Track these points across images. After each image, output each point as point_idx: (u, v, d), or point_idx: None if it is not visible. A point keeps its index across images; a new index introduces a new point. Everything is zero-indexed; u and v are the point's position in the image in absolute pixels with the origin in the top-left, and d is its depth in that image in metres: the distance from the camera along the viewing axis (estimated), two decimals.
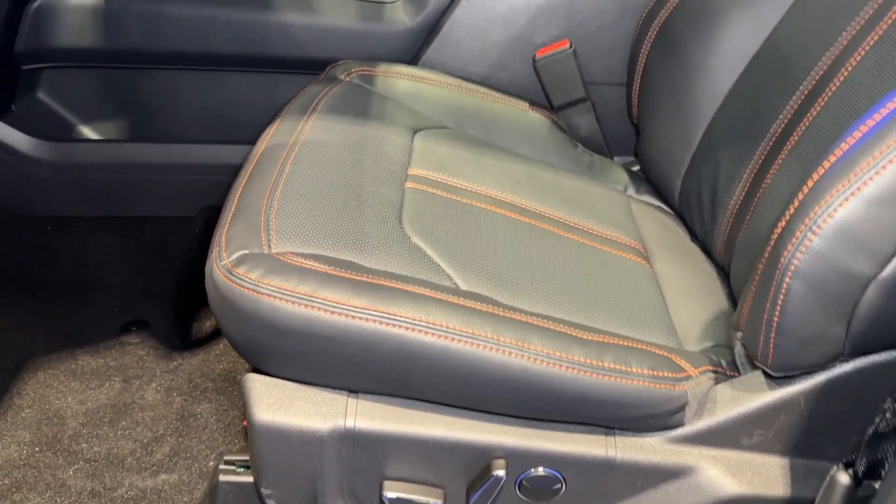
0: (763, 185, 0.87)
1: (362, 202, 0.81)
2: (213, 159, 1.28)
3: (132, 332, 1.27)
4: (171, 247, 1.36)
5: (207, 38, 1.17)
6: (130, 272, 1.36)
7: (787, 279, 0.62)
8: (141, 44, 1.18)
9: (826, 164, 0.64)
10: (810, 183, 0.64)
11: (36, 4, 1.17)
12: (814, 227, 0.61)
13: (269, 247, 0.70)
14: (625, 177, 1.14)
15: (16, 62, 1.19)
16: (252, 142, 0.97)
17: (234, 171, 0.91)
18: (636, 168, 1.19)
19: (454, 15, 1.17)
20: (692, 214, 1.03)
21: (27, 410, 1.14)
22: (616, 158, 1.25)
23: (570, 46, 1.13)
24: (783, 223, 0.64)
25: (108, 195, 1.30)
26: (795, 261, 0.61)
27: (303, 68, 1.21)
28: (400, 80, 1.12)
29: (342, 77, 1.10)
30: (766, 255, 0.66)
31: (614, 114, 1.22)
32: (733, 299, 0.93)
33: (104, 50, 1.19)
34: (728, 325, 0.87)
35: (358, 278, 0.68)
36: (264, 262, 0.68)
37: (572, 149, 1.14)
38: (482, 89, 1.15)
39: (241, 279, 0.66)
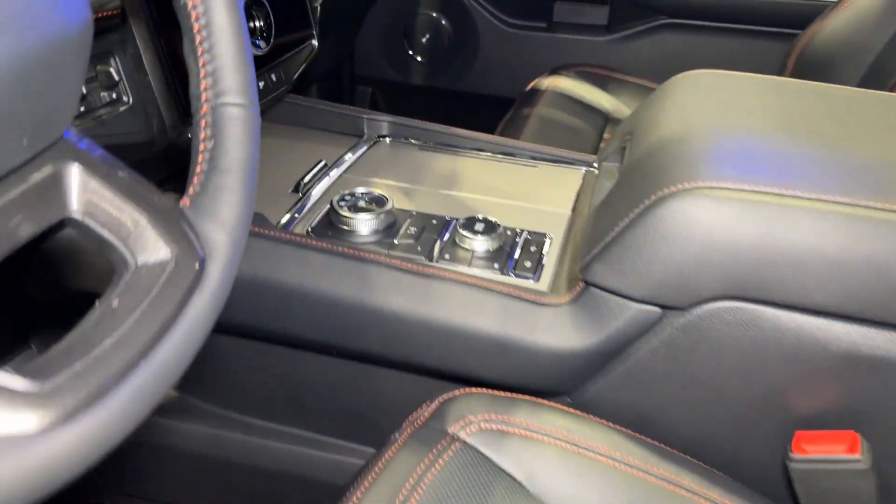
0: None
1: None
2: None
3: None
4: None
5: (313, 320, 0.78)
6: None
7: None
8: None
9: None
10: None
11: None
12: None
13: None
14: None
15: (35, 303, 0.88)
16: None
17: None
18: None
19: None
20: None
21: None
22: None
23: (864, 455, 0.62)
24: None
25: (137, 475, 0.95)
26: None
27: (436, 376, 0.80)
28: (548, 444, 0.67)
29: (457, 431, 0.67)
30: None
31: None
32: None
33: None
34: None
35: None
36: None
37: None
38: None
39: None
